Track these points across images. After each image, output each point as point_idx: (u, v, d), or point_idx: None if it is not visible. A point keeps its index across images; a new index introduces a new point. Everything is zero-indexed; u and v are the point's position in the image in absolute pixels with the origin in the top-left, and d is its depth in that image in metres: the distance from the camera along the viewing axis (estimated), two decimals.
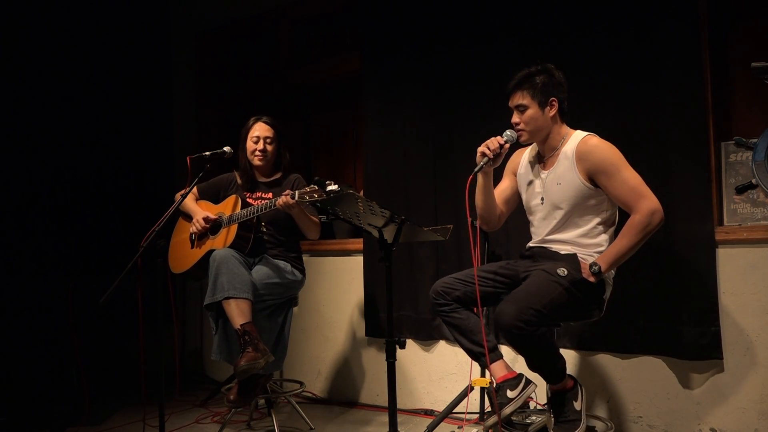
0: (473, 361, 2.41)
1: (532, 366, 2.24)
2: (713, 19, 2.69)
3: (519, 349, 2.23)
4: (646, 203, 2.15)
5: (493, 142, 2.30)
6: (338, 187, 2.12)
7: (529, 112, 2.31)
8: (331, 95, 4.17)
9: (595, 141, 2.27)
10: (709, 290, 2.54)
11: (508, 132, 2.34)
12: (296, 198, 2.59)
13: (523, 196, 2.50)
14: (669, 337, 2.61)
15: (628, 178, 2.18)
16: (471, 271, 2.38)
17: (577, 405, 2.24)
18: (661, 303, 2.63)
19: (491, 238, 2.93)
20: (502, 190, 2.56)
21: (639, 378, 2.73)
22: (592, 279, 2.19)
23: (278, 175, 3.11)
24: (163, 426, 2.41)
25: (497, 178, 2.55)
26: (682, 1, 2.60)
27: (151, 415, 2.96)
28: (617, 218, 2.34)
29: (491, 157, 2.29)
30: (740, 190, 2.65)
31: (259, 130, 3.04)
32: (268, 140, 3.03)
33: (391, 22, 3.39)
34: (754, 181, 2.60)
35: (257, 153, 3.01)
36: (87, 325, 3.38)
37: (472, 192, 2.44)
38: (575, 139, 2.31)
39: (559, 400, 2.26)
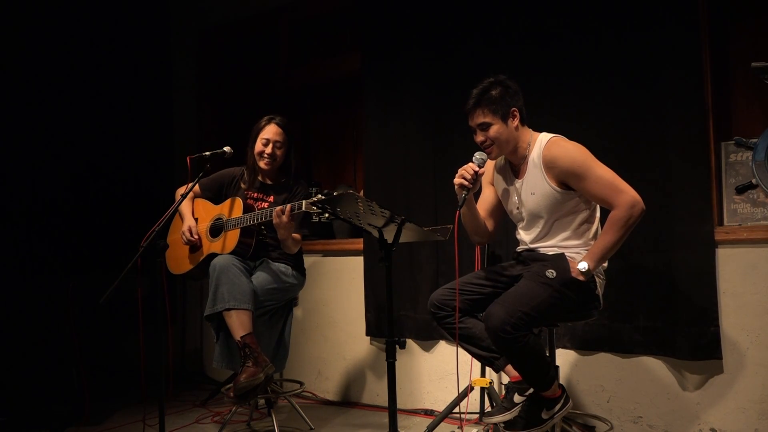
0: (475, 361, 2.40)
1: (520, 371, 2.19)
2: (713, 19, 2.68)
3: (506, 353, 2.17)
4: (624, 197, 2.12)
5: (468, 171, 2.24)
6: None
7: (495, 128, 2.26)
8: (331, 95, 4.17)
9: (560, 145, 2.22)
10: (709, 290, 2.54)
11: (477, 156, 2.29)
12: (303, 208, 2.57)
13: (504, 205, 2.47)
14: (669, 337, 2.60)
15: (602, 175, 2.15)
16: (462, 279, 2.36)
17: (545, 414, 2.19)
18: (661, 303, 2.62)
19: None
20: (484, 202, 2.52)
21: (639, 378, 2.73)
22: (581, 278, 2.16)
23: (284, 180, 3.02)
24: (163, 426, 2.41)
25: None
26: (682, 1, 2.60)
27: (151, 415, 2.96)
28: (599, 211, 2.32)
29: (470, 186, 2.25)
30: (740, 190, 2.65)
31: (271, 132, 2.92)
32: (278, 144, 2.93)
33: (391, 22, 3.39)
34: (754, 181, 2.60)
35: (265, 156, 2.91)
36: (87, 325, 3.38)
37: (466, 222, 2.42)
38: (540, 144, 2.27)
39: (532, 403, 2.21)
